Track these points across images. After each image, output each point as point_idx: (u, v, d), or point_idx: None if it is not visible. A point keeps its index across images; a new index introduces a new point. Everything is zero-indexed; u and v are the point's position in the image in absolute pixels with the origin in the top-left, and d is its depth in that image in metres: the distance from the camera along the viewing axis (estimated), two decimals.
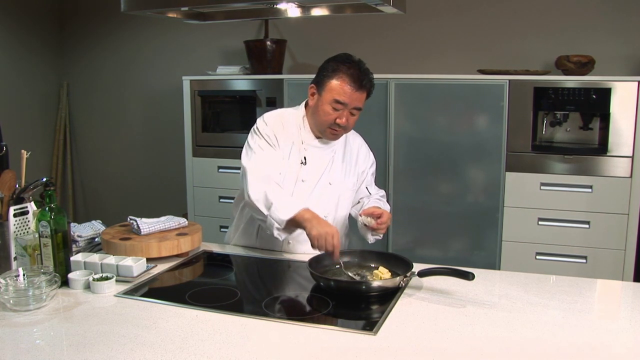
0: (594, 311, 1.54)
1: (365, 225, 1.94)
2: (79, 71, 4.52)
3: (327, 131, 1.98)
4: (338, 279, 1.65)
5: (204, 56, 4.07)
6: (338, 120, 1.93)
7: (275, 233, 1.82)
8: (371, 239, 2.01)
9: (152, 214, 2.17)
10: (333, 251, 1.72)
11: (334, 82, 1.92)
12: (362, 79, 1.92)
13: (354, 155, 2.12)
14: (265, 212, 1.83)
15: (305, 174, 2.01)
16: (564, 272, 2.89)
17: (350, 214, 2.16)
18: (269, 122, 2.02)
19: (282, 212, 1.79)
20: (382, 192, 2.20)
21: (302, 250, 2.00)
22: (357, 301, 1.55)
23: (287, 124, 2.03)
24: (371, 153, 2.20)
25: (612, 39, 3.20)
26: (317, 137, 2.03)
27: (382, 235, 2.00)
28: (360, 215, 1.96)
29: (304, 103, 2.09)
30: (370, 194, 2.15)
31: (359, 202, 2.15)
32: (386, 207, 2.09)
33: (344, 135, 2.10)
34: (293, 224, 1.80)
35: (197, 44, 4.10)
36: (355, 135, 2.19)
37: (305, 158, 2.01)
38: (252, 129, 2.05)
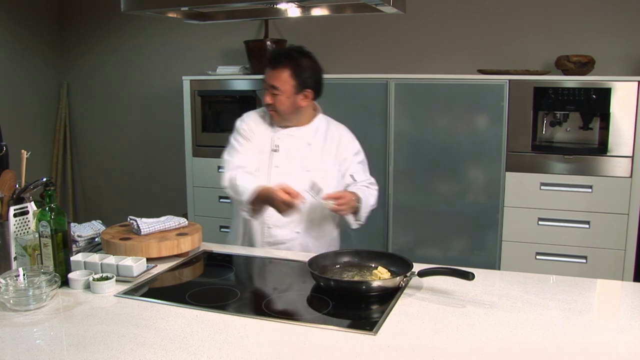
0: (594, 311, 1.54)
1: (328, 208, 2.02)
2: (79, 71, 4.52)
3: (268, 112, 2.15)
4: (338, 279, 1.65)
5: (204, 56, 4.07)
6: (263, 99, 2.11)
7: (246, 216, 2.03)
8: (353, 224, 2.12)
9: (152, 214, 2.17)
10: (296, 198, 1.87)
11: None
12: (277, 57, 2.08)
13: (334, 143, 2.18)
14: (235, 197, 2.04)
15: (278, 160, 2.12)
16: (564, 272, 2.89)
17: None
18: (245, 118, 2.22)
19: (245, 195, 1.98)
20: (372, 180, 2.23)
21: (281, 235, 2.11)
22: (357, 301, 1.55)
23: (263, 117, 2.20)
24: (356, 142, 2.24)
25: (612, 39, 3.20)
26: (288, 126, 2.15)
27: (363, 219, 2.11)
28: (322, 199, 2.03)
29: None
30: (356, 181, 2.19)
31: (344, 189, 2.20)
32: (369, 194, 2.14)
33: (325, 125, 2.20)
34: (260, 203, 1.99)
35: (197, 44, 4.10)
36: (337, 125, 2.26)
37: (277, 146, 2.13)
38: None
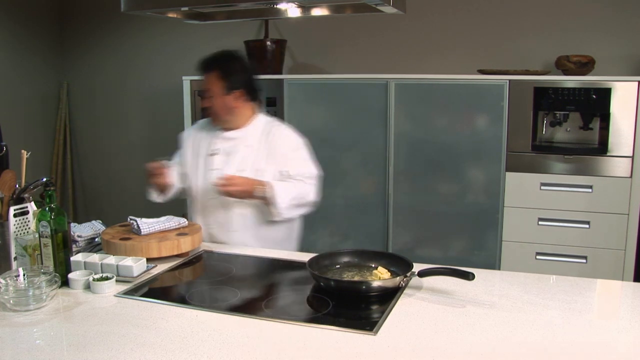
0: (594, 311, 1.54)
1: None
2: (79, 71, 4.52)
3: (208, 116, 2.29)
4: (338, 279, 1.65)
5: (204, 56, 4.06)
6: (201, 103, 2.26)
7: (154, 198, 2.31)
8: (271, 214, 2.13)
9: (152, 214, 2.17)
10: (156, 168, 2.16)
11: None
12: (206, 62, 2.21)
13: (274, 142, 2.21)
14: None
15: (217, 163, 2.21)
16: (564, 272, 2.89)
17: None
18: (188, 128, 2.47)
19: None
20: (310, 175, 2.21)
21: (219, 235, 2.20)
22: (357, 301, 1.55)
23: (205, 124, 2.34)
24: (297, 140, 2.25)
25: (612, 39, 3.20)
26: (227, 129, 2.24)
27: (282, 211, 2.10)
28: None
29: None
30: (290, 175, 2.19)
31: None
32: (293, 186, 2.15)
33: (264, 125, 2.25)
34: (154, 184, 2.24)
35: (197, 44, 4.09)
36: (279, 125, 2.29)
37: (217, 149, 2.23)
38: None
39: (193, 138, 2.34)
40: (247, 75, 2.22)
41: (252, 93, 2.23)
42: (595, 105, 2.86)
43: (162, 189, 2.29)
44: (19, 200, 1.72)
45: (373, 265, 1.75)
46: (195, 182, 2.26)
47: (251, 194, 2.07)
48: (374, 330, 1.34)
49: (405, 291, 1.59)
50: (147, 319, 1.42)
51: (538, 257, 3.02)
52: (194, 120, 3.58)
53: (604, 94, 2.83)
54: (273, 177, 2.16)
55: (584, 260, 2.94)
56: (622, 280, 2.85)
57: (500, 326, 1.38)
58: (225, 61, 2.20)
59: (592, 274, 2.89)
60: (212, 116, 2.24)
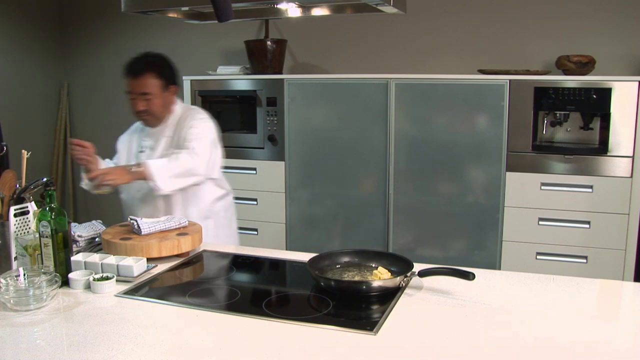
0: (594, 311, 1.54)
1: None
2: (79, 71, 4.52)
3: (140, 119, 2.33)
4: (338, 279, 1.65)
5: (204, 56, 4.07)
6: (135, 108, 2.25)
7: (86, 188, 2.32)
8: (154, 188, 2.13)
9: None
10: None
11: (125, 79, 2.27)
12: (134, 67, 2.23)
13: (183, 131, 2.26)
14: None
15: (143, 159, 2.26)
16: (564, 272, 2.89)
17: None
18: (125, 133, 2.49)
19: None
20: (191, 146, 2.20)
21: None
22: (357, 301, 1.55)
23: (138, 126, 2.42)
24: (204, 123, 2.29)
25: (612, 39, 3.20)
26: (153, 126, 2.33)
27: (157, 182, 2.09)
28: None
29: None
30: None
31: None
32: (171, 159, 2.13)
33: (180, 113, 2.32)
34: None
35: (197, 44, 4.10)
36: (193, 112, 2.34)
37: (143, 147, 2.35)
38: None
39: (128, 141, 2.43)
40: (173, 68, 2.33)
41: (179, 84, 2.37)
42: (595, 105, 2.86)
43: (88, 170, 2.26)
44: (19, 200, 1.72)
45: (373, 265, 1.75)
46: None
47: (127, 174, 2.09)
48: (375, 330, 1.34)
49: (405, 291, 1.59)
50: (147, 319, 1.42)
51: (538, 257, 3.02)
52: None
53: (604, 94, 2.83)
54: None
55: (584, 260, 2.95)
56: (622, 280, 2.85)
57: (500, 326, 1.38)
58: (156, 61, 2.28)
59: (592, 274, 2.89)
60: (148, 117, 2.28)
